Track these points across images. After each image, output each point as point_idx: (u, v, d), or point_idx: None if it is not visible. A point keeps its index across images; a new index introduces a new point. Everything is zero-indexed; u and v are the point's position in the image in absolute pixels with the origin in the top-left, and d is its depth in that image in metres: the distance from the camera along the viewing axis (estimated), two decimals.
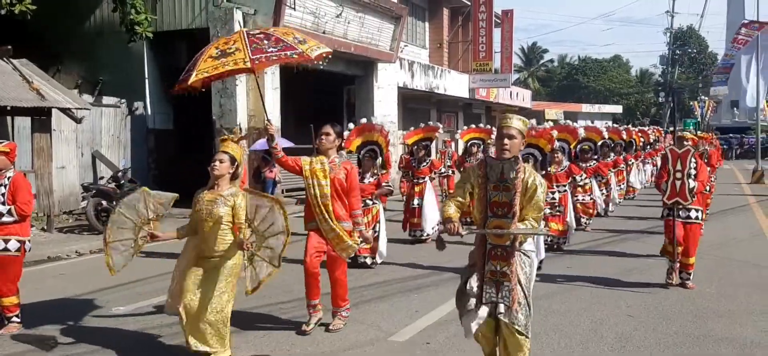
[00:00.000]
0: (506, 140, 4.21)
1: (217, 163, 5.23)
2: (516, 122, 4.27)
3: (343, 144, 9.85)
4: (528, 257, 4.34)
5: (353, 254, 6.20)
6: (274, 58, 5.62)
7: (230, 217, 5.19)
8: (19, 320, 6.24)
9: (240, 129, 5.61)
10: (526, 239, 4.28)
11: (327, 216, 5.90)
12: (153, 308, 6.94)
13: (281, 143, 15.02)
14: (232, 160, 5.30)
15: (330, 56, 6.03)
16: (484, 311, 4.21)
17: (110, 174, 14.02)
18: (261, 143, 15.04)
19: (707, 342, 5.78)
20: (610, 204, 14.93)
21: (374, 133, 9.60)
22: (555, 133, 8.39)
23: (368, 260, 9.07)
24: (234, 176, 5.31)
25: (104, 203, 12.30)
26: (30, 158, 12.69)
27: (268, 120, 5.87)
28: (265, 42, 5.60)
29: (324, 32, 17.63)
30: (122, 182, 13.08)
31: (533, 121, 9.70)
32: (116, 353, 5.57)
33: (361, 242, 8.81)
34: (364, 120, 10.18)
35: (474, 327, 4.23)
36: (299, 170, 5.98)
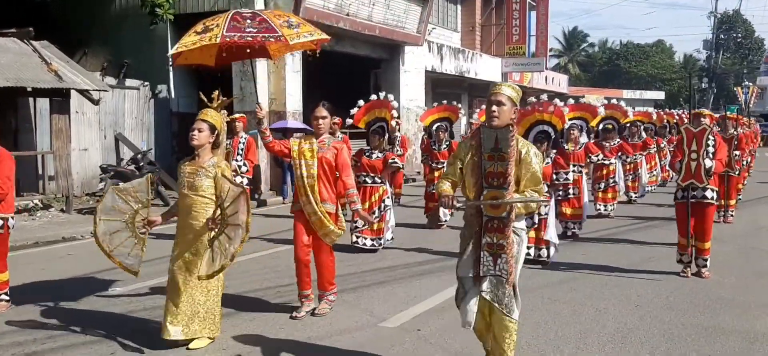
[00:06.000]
0: (494, 107, 4.09)
1: (196, 132, 5.02)
2: (506, 89, 4.17)
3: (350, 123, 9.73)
4: (517, 235, 4.16)
5: (337, 241, 5.99)
6: (248, 38, 5.40)
7: (213, 189, 5.00)
8: (8, 298, 6.21)
9: (219, 95, 5.35)
10: (522, 212, 4.16)
11: (311, 198, 5.71)
12: (148, 289, 6.88)
13: (297, 126, 14.86)
14: (212, 128, 5.08)
15: (325, 44, 5.83)
16: (474, 302, 4.13)
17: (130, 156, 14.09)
18: (280, 123, 14.92)
19: (714, 334, 5.43)
20: (640, 189, 14.34)
21: (383, 109, 9.35)
22: (566, 110, 7.98)
23: (368, 243, 8.82)
24: (215, 145, 5.11)
25: (122, 185, 12.37)
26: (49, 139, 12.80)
27: (257, 104, 5.74)
28: (248, 22, 5.44)
29: (347, 14, 17.40)
30: (142, 164, 13.11)
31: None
32: (101, 334, 5.47)
33: (363, 226, 8.62)
34: (373, 97, 9.92)
35: (470, 317, 4.16)
36: (288, 152, 5.84)
